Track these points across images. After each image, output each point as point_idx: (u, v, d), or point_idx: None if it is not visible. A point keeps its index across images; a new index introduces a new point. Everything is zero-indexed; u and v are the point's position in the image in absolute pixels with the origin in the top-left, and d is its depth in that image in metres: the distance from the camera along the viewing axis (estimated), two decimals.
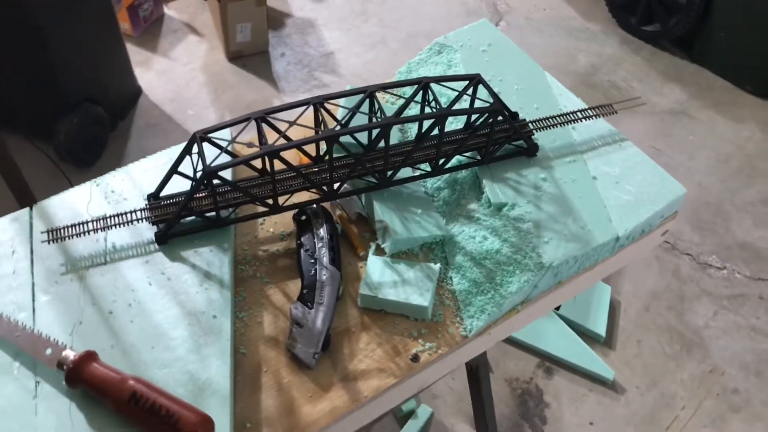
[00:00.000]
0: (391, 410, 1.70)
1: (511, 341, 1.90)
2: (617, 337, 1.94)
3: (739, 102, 2.60)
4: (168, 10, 2.73)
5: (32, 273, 0.82)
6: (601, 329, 1.92)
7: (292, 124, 0.83)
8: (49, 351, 0.74)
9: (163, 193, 0.88)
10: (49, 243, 0.83)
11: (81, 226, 0.84)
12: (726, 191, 2.31)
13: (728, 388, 1.84)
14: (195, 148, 0.82)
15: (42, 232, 0.84)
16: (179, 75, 2.50)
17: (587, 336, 1.92)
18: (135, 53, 2.53)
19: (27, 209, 0.88)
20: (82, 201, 0.89)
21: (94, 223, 0.84)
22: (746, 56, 2.56)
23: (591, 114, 1.00)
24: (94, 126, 2.13)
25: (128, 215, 0.85)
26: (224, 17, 2.44)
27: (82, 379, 0.71)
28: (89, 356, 0.72)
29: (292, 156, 0.89)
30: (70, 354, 0.73)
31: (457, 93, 0.90)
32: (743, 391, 1.84)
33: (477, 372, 1.34)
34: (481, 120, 0.90)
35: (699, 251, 2.14)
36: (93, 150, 2.16)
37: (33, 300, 0.80)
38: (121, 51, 2.27)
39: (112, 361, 0.74)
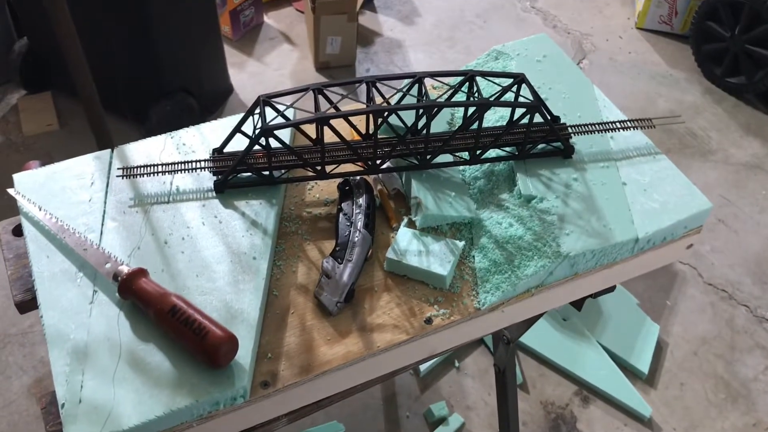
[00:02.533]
0: (423, 413, 1.75)
1: (550, 365, 1.92)
2: (660, 377, 1.93)
3: None
4: (267, 19, 2.91)
5: (105, 202, 0.94)
6: (644, 366, 1.91)
7: (344, 96, 0.92)
8: (108, 265, 0.85)
9: (226, 150, 0.98)
10: (123, 178, 0.95)
11: (152, 167, 0.95)
12: None
13: None
14: (258, 111, 0.93)
15: (118, 168, 0.96)
16: (269, 79, 2.67)
17: (629, 371, 1.92)
18: (231, 54, 2.71)
19: (108, 150, 1.01)
20: (156, 149, 1.01)
21: (163, 166, 0.95)
22: None
23: (629, 125, 1.05)
24: (185, 115, 2.31)
25: (193, 163, 0.96)
26: (317, 29, 2.59)
27: (132, 291, 0.81)
28: (140, 272, 0.83)
29: (345, 132, 0.98)
30: (125, 269, 0.83)
31: (501, 88, 0.98)
32: None
33: (504, 374, 1.39)
34: (520, 117, 0.97)
35: (757, 304, 2.11)
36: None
37: (102, 224, 0.91)
38: (219, 50, 2.45)
39: (160, 282, 0.84)
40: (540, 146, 1.02)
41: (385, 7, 3.00)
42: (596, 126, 1.04)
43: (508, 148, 1.01)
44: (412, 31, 2.90)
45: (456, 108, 1.11)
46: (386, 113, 0.94)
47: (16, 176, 0.97)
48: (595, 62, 2.87)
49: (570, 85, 1.15)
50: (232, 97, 2.57)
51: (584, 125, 1.04)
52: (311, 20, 2.62)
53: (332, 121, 0.90)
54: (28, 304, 0.92)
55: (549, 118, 0.98)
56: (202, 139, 1.03)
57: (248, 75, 2.68)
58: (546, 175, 1.00)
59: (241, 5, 2.73)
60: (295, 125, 0.90)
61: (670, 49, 2.98)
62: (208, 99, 2.47)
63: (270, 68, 2.71)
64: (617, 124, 1.05)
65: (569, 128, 1.03)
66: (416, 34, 2.88)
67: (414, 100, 0.96)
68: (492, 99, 0.96)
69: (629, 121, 1.06)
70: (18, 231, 0.96)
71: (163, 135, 1.04)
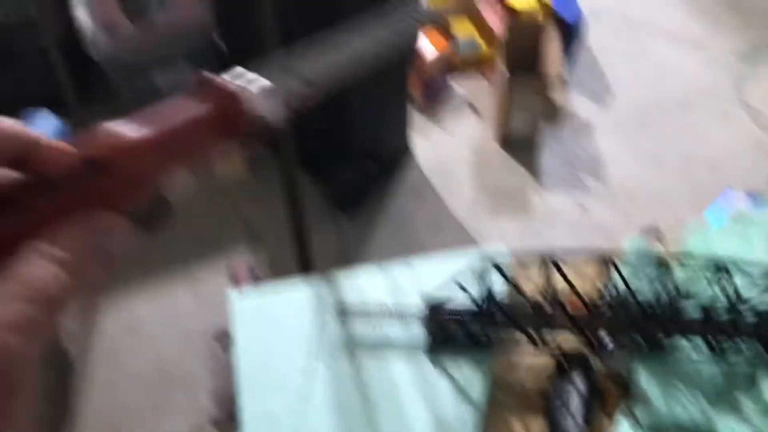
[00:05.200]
0: None
1: None
2: None
3: None
4: (455, 85, 2.90)
5: (313, 337, 0.92)
6: None
7: (578, 273, 0.85)
8: None
9: (440, 299, 0.94)
10: (336, 314, 0.93)
11: (365, 308, 0.93)
12: None
13: None
14: (480, 268, 0.88)
15: (331, 306, 0.94)
16: (450, 147, 2.64)
17: None
18: (415, 118, 2.72)
19: (321, 277, 0.99)
20: (370, 284, 0.99)
21: (376, 310, 0.93)
22: None
23: None
24: (364, 178, 2.33)
25: (406, 313, 0.92)
26: (504, 102, 2.54)
27: None
28: None
29: (567, 297, 0.90)
30: None
31: (754, 281, 0.87)
32: None
33: None
34: None
35: None
36: (358, 200, 2.35)
37: (310, 363, 0.89)
38: (404, 114, 2.45)
39: None
40: None
41: (577, 84, 2.90)
42: None
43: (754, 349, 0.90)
44: (603, 112, 2.77)
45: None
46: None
47: (231, 294, 0.98)
48: None
49: None
50: (410, 161, 2.57)
51: None
52: (500, 93, 2.57)
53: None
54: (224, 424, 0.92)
55: None
56: (416, 279, 0.99)
57: (429, 141, 2.66)
58: None
59: (432, 71, 2.73)
60: (527, 301, 0.84)
61: None
62: (388, 162, 2.48)
63: (452, 136, 2.69)
64: None
65: None
66: (607, 117, 2.75)
67: (653, 278, 0.87)
68: (741, 297, 0.85)
69: None
70: (222, 338, 0.97)
71: (376, 267, 1.01)
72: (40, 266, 0.31)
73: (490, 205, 2.46)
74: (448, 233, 2.37)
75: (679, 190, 2.47)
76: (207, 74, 0.37)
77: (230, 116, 0.37)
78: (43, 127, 2.18)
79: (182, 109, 0.36)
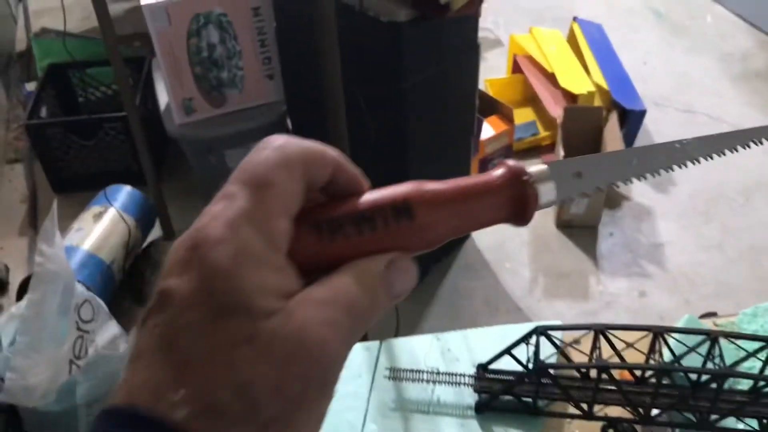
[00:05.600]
0: None
1: None
2: None
3: None
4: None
5: (368, 399, 0.96)
6: None
7: (629, 346, 0.88)
8: None
9: (492, 366, 0.97)
10: (389, 379, 0.97)
11: (417, 373, 0.96)
12: None
13: None
14: (533, 339, 0.91)
15: (386, 369, 0.98)
16: (507, 228, 2.66)
17: None
18: None
19: (378, 342, 1.04)
20: (422, 349, 1.03)
21: (428, 374, 0.96)
22: None
23: None
24: (424, 256, 2.38)
25: (457, 377, 0.95)
26: None
27: None
28: None
29: (617, 370, 0.92)
30: None
31: None
32: None
33: None
34: None
35: None
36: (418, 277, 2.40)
37: (363, 425, 0.93)
38: None
39: None
40: None
41: None
42: None
43: None
44: (664, 199, 2.78)
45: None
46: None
47: None
48: None
49: None
50: (467, 241, 2.61)
51: None
52: None
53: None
54: None
55: None
56: (467, 347, 1.03)
57: None
58: None
59: (492, 154, 2.80)
60: (575, 368, 0.87)
61: None
62: (446, 242, 2.53)
63: None
64: None
65: None
66: (668, 203, 2.76)
67: (702, 354, 0.89)
68: None
69: None
70: None
71: (430, 335, 1.05)
72: (355, 282, 0.35)
73: (548, 287, 2.46)
74: (504, 313, 2.38)
75: (741, 279, 2.43)
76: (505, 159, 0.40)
77: (522, 199, 0.39)
78: (125, 199, 2.33)
79: (479, 179, 0.39)
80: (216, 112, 2.31)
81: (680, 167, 0.45)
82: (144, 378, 0.31)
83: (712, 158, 0.46)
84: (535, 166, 0.40)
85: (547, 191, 0.39)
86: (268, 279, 0.32)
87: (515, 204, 0.39)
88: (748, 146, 0.48)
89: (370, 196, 0.37)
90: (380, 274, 0.35)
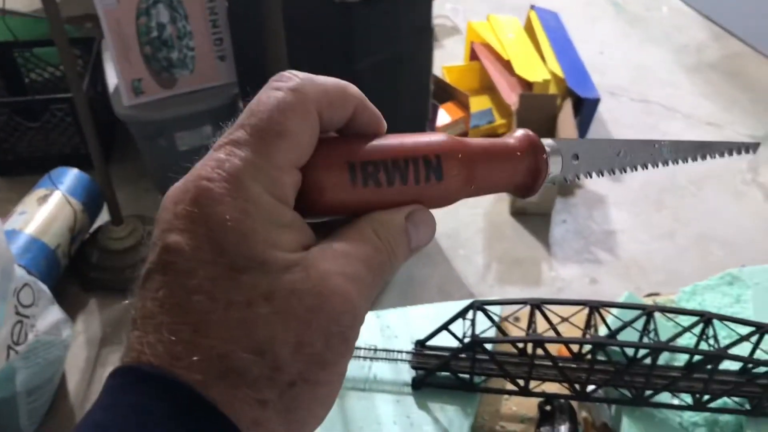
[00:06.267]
0: None
1: None
2: None
3: None
4: None
5: None
6: None
7: (564, 320, 0.87)
8: None
9: (430, 343, 0.96)
10: None
11: (354, 350, 0.94)
12: None
13: None
14: (469, 314, 0.90)
15: None
16: (463, 215, 2.68)
17: None
18: None
19: None
20: (364, 328, 1.01)
21: (366, 351, 0.94)
22: None
23: None
24: None
25: (395, 354, 0.94)
26: None
27: None
28: None
29: (554, 348, 0.92)
30: None
31: (738, 336, 0.87)
32: None
33: None
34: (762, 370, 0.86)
35: None
36: None
37: None
38: None
39: None
40: None
41: None
42: None
43: (738, 399, 0.90)
44: (617, 187, 2.80)
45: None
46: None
47: None
48: None
49: None
50: None
51: None
52: None
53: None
54: None
55: None
56: (407, 324, 1.02)
57: (441, 208, 2.71)
58: None
59: None
60: (510, 341, 0.86)
61: None
62: None
63: (465, 205, 2.73)
64: None
65: None
66: (621, 191, 2.78)
67: (639, 329, 0.89)
68: (728, 348, 0.86)
69: None
70: None
71: (372, 312, 1.03)
72: (374, 234, 0.33)
73: (501, 274, 2.47)
74: (458, 300, 2.37)
75: (691, 267, 2.47)
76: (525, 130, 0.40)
77: (537, 170, 0.39)
78: (71, 182, 2.27)
79: (503, 145, 0.38)
80: (166, 94, 2.26)
81: (654, 167, 0.46)
82: (154, 340, 0.28)
83: (686, 162, 0.47)
84: (545, 140, 0.40)
85: (554, 166, 0.40)
86: (281, 234, 0.30)
87: (531, 174, 0.39)
88: (722, 156, 0.48)
89: (401, 142, 0.35)
90: (401, 227, 0.34)
